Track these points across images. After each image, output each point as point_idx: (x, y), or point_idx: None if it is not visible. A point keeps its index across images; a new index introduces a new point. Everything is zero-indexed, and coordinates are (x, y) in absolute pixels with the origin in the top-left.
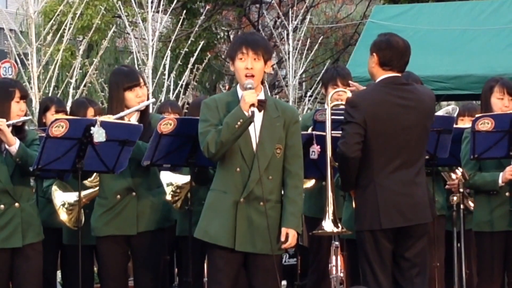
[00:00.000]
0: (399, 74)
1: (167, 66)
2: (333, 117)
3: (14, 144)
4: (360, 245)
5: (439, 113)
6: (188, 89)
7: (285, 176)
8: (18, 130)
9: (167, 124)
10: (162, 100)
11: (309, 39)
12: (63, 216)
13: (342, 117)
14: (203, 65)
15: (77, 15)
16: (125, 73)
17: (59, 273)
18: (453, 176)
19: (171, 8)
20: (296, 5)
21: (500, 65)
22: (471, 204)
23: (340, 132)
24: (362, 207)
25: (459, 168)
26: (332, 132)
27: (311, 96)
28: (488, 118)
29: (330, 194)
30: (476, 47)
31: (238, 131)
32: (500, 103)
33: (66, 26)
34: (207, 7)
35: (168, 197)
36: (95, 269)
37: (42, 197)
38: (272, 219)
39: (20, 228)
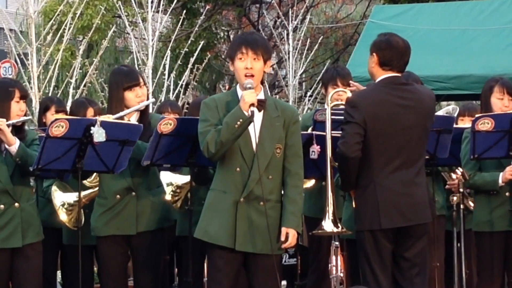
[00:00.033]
0: (399, 74)
1: (167, 66)
2: (333, 117)
3: (14, 144)
4: (360, 245)
5: (439, 113)
6: (188, 89)
7: (285, 176)
8: (18, 130)
9: (167, 124)
10: (162, 100)
11: (309, 39)
12: (63, 216)
13: (342, 117)
14: (203, 65)
15: (77, 15)
16: (124, 73)
17: (59, 273)
18: (453, 176)
19: (171, 8)
20: (296, 5)
21: (500, 65)
22: (471, 204)
23: (340, 132)
24: (362, 207)
25: (459, 168)
26: (332, 132)
27: (311, 96)
28: (488, 118)
29: (330, 194)
30: (476, 47)
31: (238, 131)
32: (500, 103)
33: (66, 26)
34: (207, 7)
35: (168, 197)
36: (95, 269)
37: (42, 197)
38: (272, 218)
39: (20, 228)
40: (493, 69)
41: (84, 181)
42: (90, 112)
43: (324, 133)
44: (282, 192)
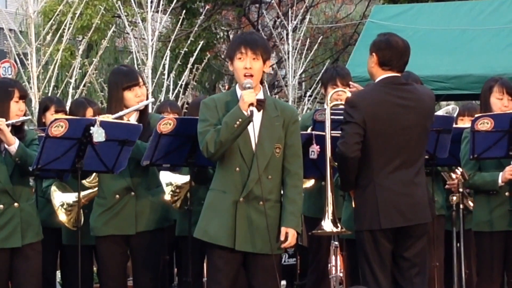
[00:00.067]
0: (398, 74)
1: (166, 66)
2: (332, 117)
3: (14, 144)
4: (360, 245)
5: (439, 112)
6: (188, 89)
7: (284, 176)
8: (17, 130)
9: (166, 124)
10: (162, 100)
11: (308, 39)
12: (62, 216)
13: (342, 117)
14: (202, 65)
15: (77, 15)
16: (124, 72)
17: (58, 273)
18: (453, 176)
19: (170, 8)
20: (296, 5)
21: (499, 65)
22: (471, 204)
23: (340, 132)
24: (362, 207)
25: (458, 168)
26: (332, 132)
27: (310, 96)
28: (487, 118)
29: (329, 194)
30: (476, 47)
31: (237, 131)
32: (499, 103)
33: (65, 26)
34: (207, 7)
35: (168, 197)
36: (95, 269)
37: (42, 197)
38: (272, 218)
39: (19, 228)
40: (492, 69)
41: (83, 181)
42: (89, 112)
43: (323, 133)
44: (282, 192)
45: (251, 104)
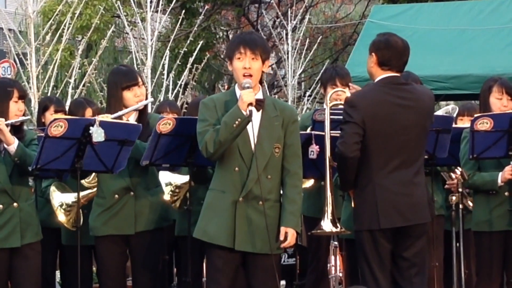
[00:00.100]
0: (398, 74)
1: (166, 66)
2: (332, 117)
3: (13, 144)
4: (359, 245)
5: (439, 112)
6: (187, 89)
7: (284, 175)
8: (16, 130)
9: (166, 123)
10: (161, 99)
11: (308, 39)
12: (61, 217)
13: (341, 117)
14: (202, 64)
15: (76, 15)
16: (123, 72)
17: (58, 273)
18: (453, 176)
19: (170, 8)
20: (295, 4)
21: (499, 64)
22: (470, 204)
23: (339, 132)
24: (361, 207)
25: (458, 167)
26: (331, 132)
27: (310, 96)
28: (487, 118)
29: (329, 194)
30: (475, 47)
31: (236, 130)
32: (498, 102)
33: (65, 26)
34: (206, 6)
35: (167, 197)
36: (94, 269)
37: (41, 197)
38: (271, 218)
39: (18, 228)
40: (492, 69)
41: (82, 181)
42: (88, 112)
43: (323, 133)
44: (281, 191)
45: (250, 104)
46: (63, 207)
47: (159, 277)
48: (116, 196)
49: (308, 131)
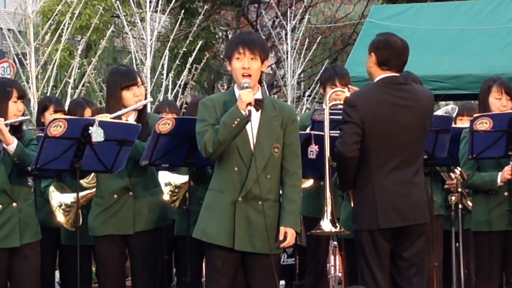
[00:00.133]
0: (397, 74)
1: (165, 66)
2: (331, 116)
3: (12, 144)
4: (358, 245)
5: (439, 112)
6: (187, 89)
7: (283, 175)
8: (15, 130)
9: (165, 123)
10: (161, 99)
11: (307, 39)
12: (60, 217)
13: (340, 117)
14: (201, 64)
15: (76, 15)
16: (122, 72)
17: (57, 273)
18: (452, 175)
19: (169, 8)
20: (295, 4)
21: (498, 64)
22: (470, 204)
23: (338, 132)
24: (360, 206)
25: (457, 167)
26: (331, 132)
27: (309, 96)
28: (486, 118)
29: (328, 193)
30: (475, 47)
31: (235, 130)
32: (498, 102)
33: (64, 25)
34: (206, 6)
35: (167, 197)
36: (93, 269)
37: (40, 197)
38: (271, 218)
39: (18, 228)
40: (491, 69)
41: (81, 181)
42: (87, 112)
43: (322, 133)
44: (281, 191)
45: (249, 104)
46: (62, 207)
47: (158, 277)
48: (115, 196)
49: (308, 131)
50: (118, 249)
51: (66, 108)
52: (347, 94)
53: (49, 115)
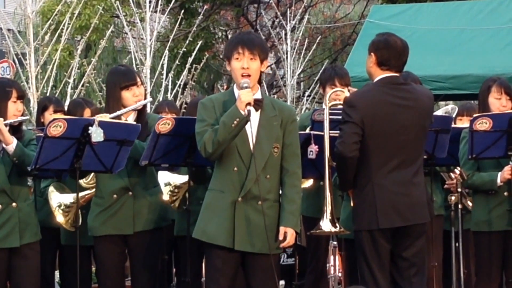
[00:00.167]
0: (397, 74)
1: (165, 66)
2: (331, 116)
3: (12, 143)
4: (358, 245)
5: (438, 112)
6: (186, 89)
7: (283, 175)
8: (15, 130)
9: (165, 123)
10: (160, 99)
11: (307, 39)
12: (60, 218)
13: (340, 117)
14: (201, 65)
15: (75, 15)
16: (122, 72)
17: (57, 273)
18: (452, 175)
19: (169, 8)
20: (294, 5)
21: (498, 64)
22: (470, 204)
23: (338, 132)
24: (360, 206)
25: (457, 167)
26: (330, 132)
27: (309, 96)
28: (486, 118)
29: (328, 193)
30: (475, 47)
31: (235, 130)
32: (497, 103)
33: (64, 26)
34: (205, 7)
35: (166, 197)
36: (93, 269)
37: (40, 197)
38: (271, 218)
39: (17, 228)
40: (491, 69)
41: (80, 182)
42: (87, 112)
43: (322, 133)
44: (280, 191)
45: (249, 104)
46: (62, 207)
47: (158, 277)
48: (115, 196)
49: (307, 131)
50: (118, 249)
51: (66, 108)
52: (347, 94)
53: (48, 115)
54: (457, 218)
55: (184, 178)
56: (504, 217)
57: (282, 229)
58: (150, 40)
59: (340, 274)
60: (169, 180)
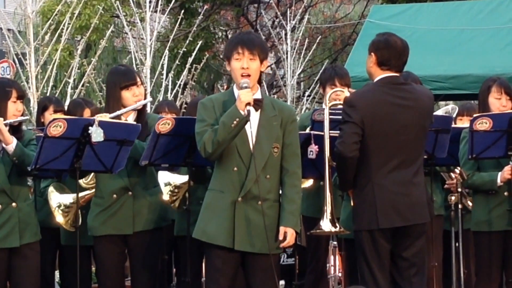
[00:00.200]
0: (397, 74)
1: (165, 66)
2: (331, 116)
3: (11, 143)
4: (358, 245)
5: (438, 112)
6: (186, 89)
7: (283, 175)
8: (15, 130)
9: (165, 123)
10: (161, 99)
11: (307, 38)
12: (59, 218)
13: (340, 117)
14: (201, 65)
15: (75, 15)
16: (122, 72)
17: (57, 273)
18: (452, 175)
19: (169, 8)
20: (294, 4)
21: (498, 64)
22: (470, 204)
23: (338, 131)
24: (360, 206)
25: (457, 167)
26: (330, 132)
27: (309, 96)
28: (486, 118)
29: (328, 193)
30: (474, 47)
31: (235, 130)
32: (497, 102)
33: (64, 25)
34: (205, 6)
35: (166, 197)
36: (93, 269)
37: (40, 197)
38: (271, 218)
39: (17, 228)
40: (491, 69)
41: (80, 182)
42: (87, 112)
43: (322, 133)
44: (280, 191)
45: (248, 104)
46: (61, 208)
47: (158, 277)
48: (115, 196)
49: (307, 131)
50: (118, 249)
51: (66, 108)
52: (347, 94)
53: (49, 115)
54: (457, 218)
55: (184, 178)
56: (504, 217)
57: (282, 229)
58: (150, 40)
59: (340, 274)
60: (169, 180)
